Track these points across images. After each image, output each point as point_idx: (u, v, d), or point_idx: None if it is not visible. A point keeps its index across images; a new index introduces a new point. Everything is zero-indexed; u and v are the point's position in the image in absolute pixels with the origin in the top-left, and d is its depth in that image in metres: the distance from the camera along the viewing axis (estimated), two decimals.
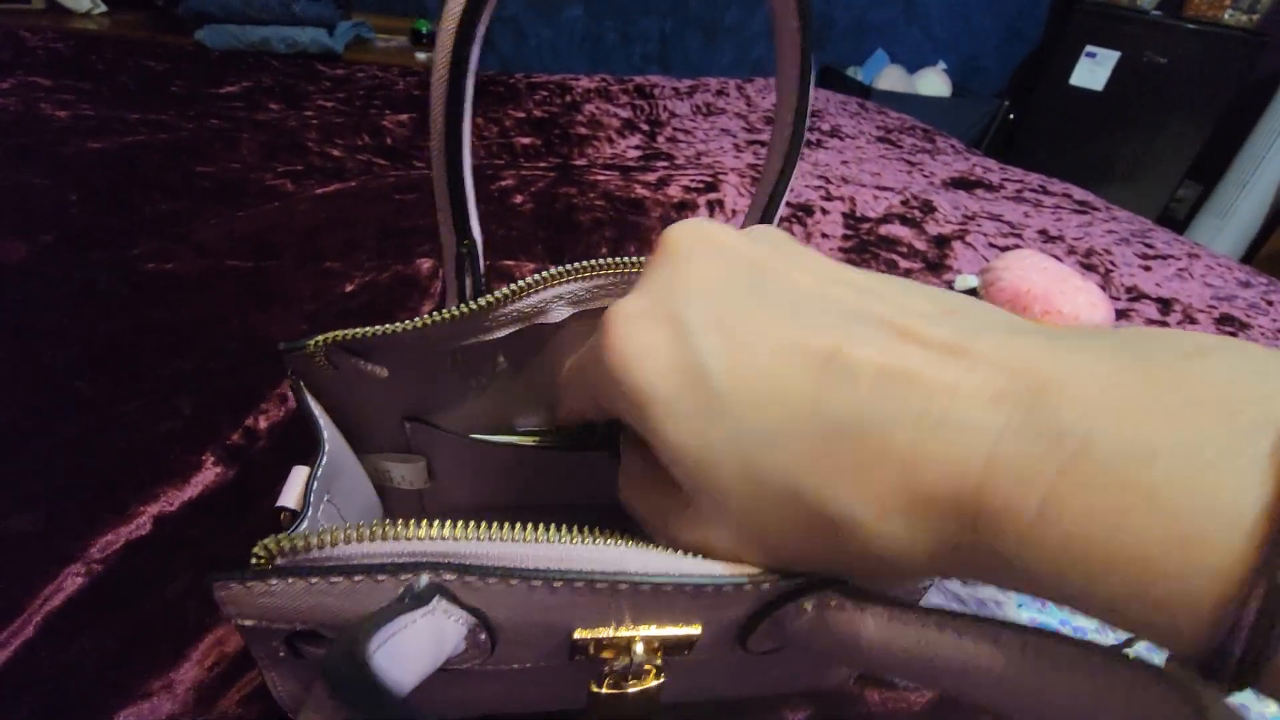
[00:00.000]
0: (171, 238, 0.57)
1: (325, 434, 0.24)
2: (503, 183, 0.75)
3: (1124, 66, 2.17)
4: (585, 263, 0.24)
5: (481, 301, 0.24)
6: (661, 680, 0.21)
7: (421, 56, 1.73)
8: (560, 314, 0.26)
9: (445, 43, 0.21)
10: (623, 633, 0.20)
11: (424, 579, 0.18)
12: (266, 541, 0.18)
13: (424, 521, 0.18)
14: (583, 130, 1.00)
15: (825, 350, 0.16)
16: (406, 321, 0.24)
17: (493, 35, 2.16)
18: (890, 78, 2.32)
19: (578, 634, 0.20)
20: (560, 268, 0.24)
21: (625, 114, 1.10)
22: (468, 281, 0.26)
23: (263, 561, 0.18)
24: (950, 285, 0.68)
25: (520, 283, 0.24)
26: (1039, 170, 1.09)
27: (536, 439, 0.30)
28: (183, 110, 0.86)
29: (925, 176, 0.99)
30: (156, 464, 0.38)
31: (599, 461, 0.30)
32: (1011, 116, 2.40)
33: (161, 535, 0.34)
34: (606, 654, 0.20)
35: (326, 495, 0.24)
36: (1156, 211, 2.29)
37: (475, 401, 0.29)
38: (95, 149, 0.69)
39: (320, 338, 0.24)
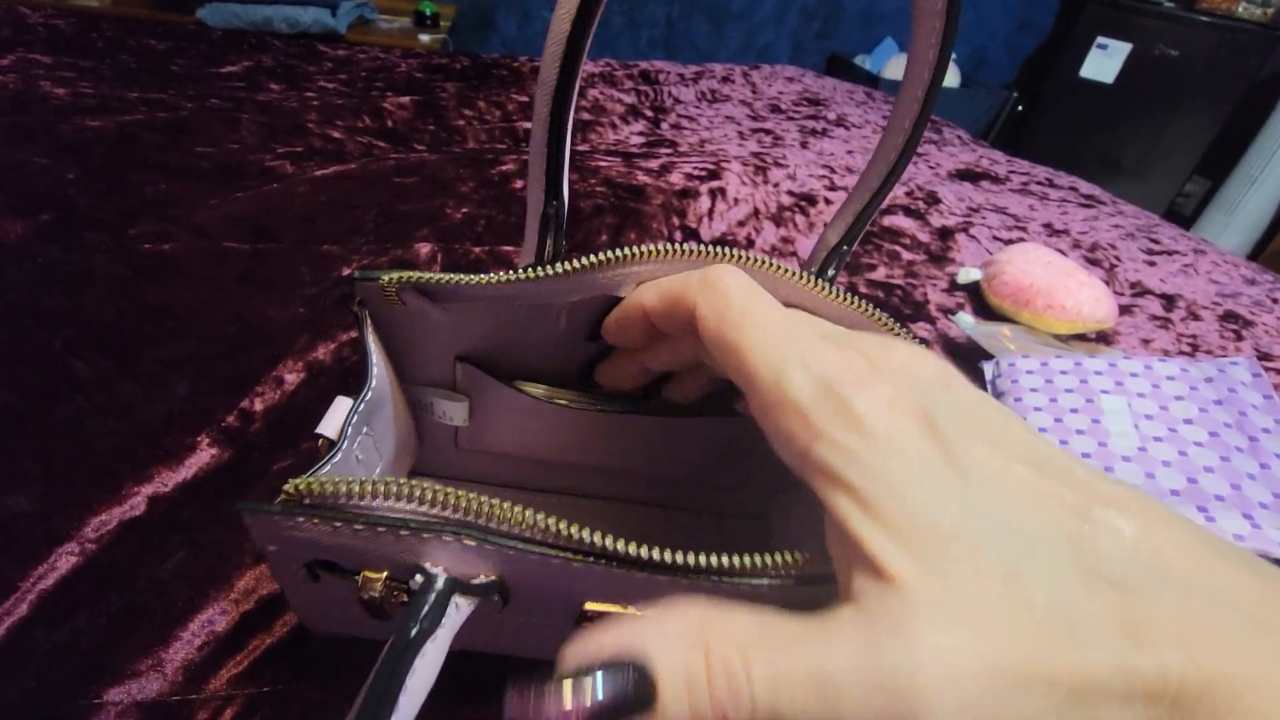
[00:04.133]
0: (170, 219, 0.57)
1: (375, 369, 0.25)
2: (504, 167, 0.75)
3: (1135, 59, 2.14)
4: (665, 246, 0.24)
5: (566, 266, 0.24)
6: None
7: (425, 38, 1.71)
8: (630, 289, 0.26)
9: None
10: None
11: (441, 577, 0.19)
12: (298, 481, 0.18)
13: (452, 490, 0.19)
14: (586, 115, 0.99)
15: (1079, 502, 0.14)
16: (490, 275, 0.24)
17: (497, 18, 2.14)
18: (899, 66, 2.29)
19: (589, 605, 0.20)
20: (642, 248, 0.24)
21: (629, 100, 1.09)
22: (549, 242, 0.26)
23: (292, 498, 0.19)
24: (953, 278, 0.67)
25: (603, 255, 0.24)
26: (1047, 162, 1.08)
27: (581, 398, 0.30)
28: (182, 90, 0.85)
29: (931, 167, 0.98)
30: (152, 445, 0.38)
31: (638, 427, 0.30)
32: (1020, 108, 2.38)
33: (155, 516, 0.35)
34: None
35: (366, 428, 0.25)
36: (1164, 206, 2.28)
37: (529, 354, 0.30)
38: (94, 127, 0.69)
39: (398, 275, 0.25)
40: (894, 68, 2.28)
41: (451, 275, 0.25)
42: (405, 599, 0.20)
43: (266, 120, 0.77)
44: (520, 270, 0.25)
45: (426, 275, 0.25)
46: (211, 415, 0.40)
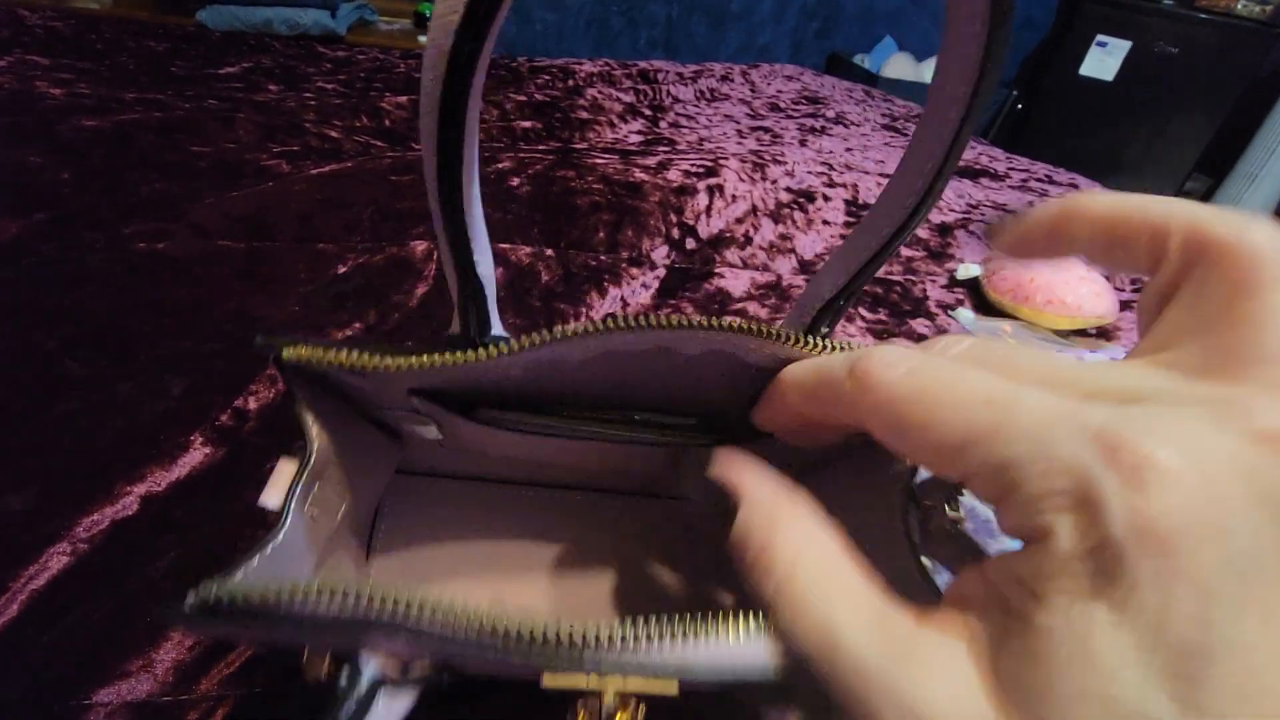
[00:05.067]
0: (166, 218, 0.57)
1: (314, 443, 0.22)
2: (500, 165, 0.75)
3: (1135, 56, 2.14)
4: (622, 319, 0.19)
5: (495, 350, 0.20)
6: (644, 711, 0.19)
7: (424, 40, 1.72)
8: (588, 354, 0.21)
9: (440, 41, 0.16)
10: (594, 684, 0.18)
11: (366, 676, 0.18)
12: (213, 587, 0.16)
13: (381, 594, 0.16)
14: (584, 114, 0.99)
15: None
16: (411, 358, 0.20)
17: None
18: (898, 65, 2.29)
19: (546, 680, 0.18)
20: (582, 327, 0.19)
21: (628, 98, 1.09)
22: (471, 322, 0.23)
23: (208, 606, 0.16)
24: (953, 274, 0.67)
25: (545, 335, 0.19)
26: (1046, 160, 1.07)
27: (557, 419, 0.25)
28: (180, 90, 0.85)
29: None
30: (145, 444, 0.38)
31: (622, 447, 0.27)
32: (1020, 105, 2.37)
33: (148, 516, 0.34)
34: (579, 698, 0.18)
35: (316, 484, 0.23)
36: None
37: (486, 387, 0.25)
38: (90, 127, 0.69)
39: (308, 354, 0.21)
40: (892, 67, 2.28)
41: (368, 359, 0.20)
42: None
43: (263, 120, 0.77)
44: (448, 354, 0.20)
45: (339, 356, 0.20)
46: (206, 414, 0.40)
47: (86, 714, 0.27)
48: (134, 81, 0.86)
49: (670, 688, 0.17)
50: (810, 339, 0.19)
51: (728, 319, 0.19)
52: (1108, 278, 0.70)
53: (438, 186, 0.19)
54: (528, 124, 0.92)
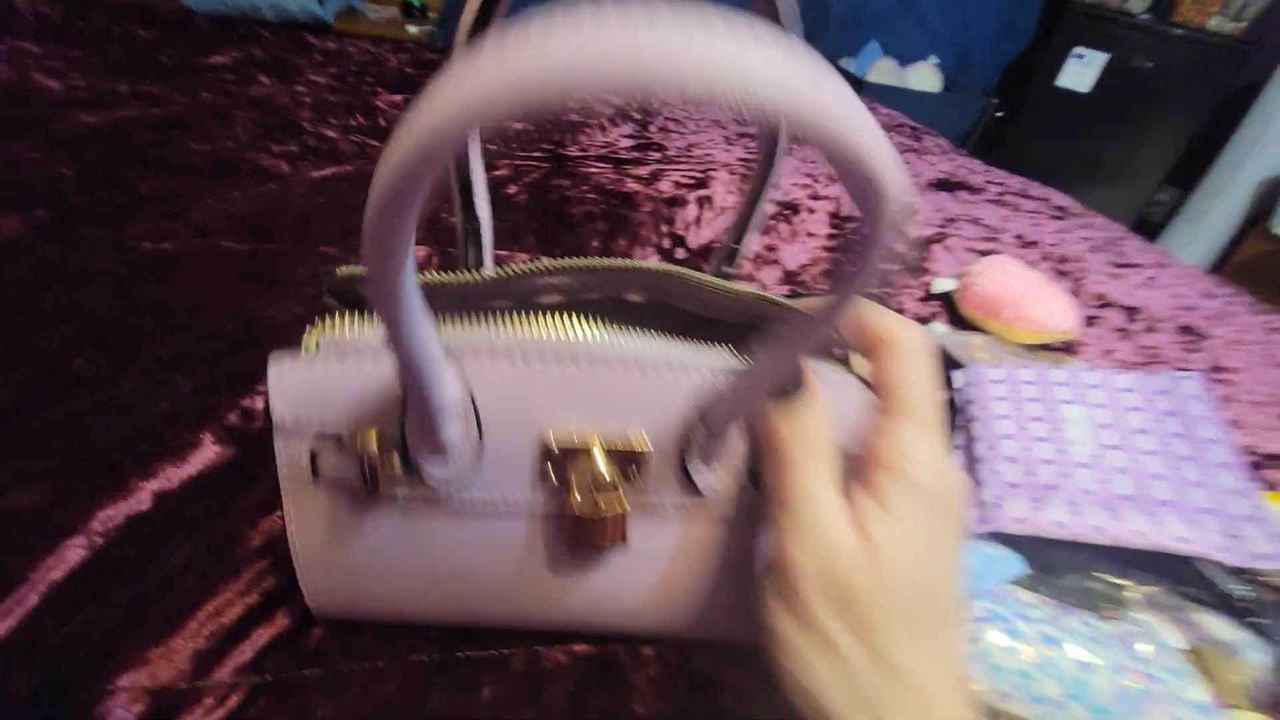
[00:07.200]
0: (167, 216, 0.58)
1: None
2: (496, 172, 0.76)
3: (1111, 69, 2.19)
4: (576, 261, 0.26)
5: (481, 275, 0.26)
6: (627, 510, 0.25)
7: (413, 30, 1.71)
8: (551, 300, 0.28)
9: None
10: (579, 441, 0.24)
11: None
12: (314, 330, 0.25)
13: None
14: (575, 117, 1.01)
15: None
16: (425, 275, 0.26)
17: None
18: (882, 70, 2.32)
19: (547, 435, 0.25)
20: (555, 262, 0.26)
21: (617, 100, 1.11)
22: (470, 254, 0.29)
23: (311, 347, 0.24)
24: (928, 287, 0.70)
25: (519, 268, 0.26)
26: (1024, 170, 1.11)
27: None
28: (173, 82, 0.85)
29: (911, 177, 1.01)
30: (155, 442, 0.39)
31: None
32: (1000, 114, 2.42)
33: (161, 511, 0.36)
34: (572, 463, 0.25)
35: None
36: (1135, 215, 2.33)
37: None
38: (88, 122, 0.69)
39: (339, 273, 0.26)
40: (877, 72, 2.31)
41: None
42: (396, 465, 0.24)
43: (260, 117, 0.78)
44: (446, 273, 0.26)
45: (352, 271, 0.26)
46: (214, 413, 0.41)
47: (108, 699, 0.28)
48: (126, 72, 0.86)
49: (640, 445, 0.25)
50: (722, 282, 0.26)
51: (662, 264, 0.26)
52: (1073, 294, 0.73)
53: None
54: (518, 125, 0.93)
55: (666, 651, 0.26)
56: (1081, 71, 2.23)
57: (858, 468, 0.23)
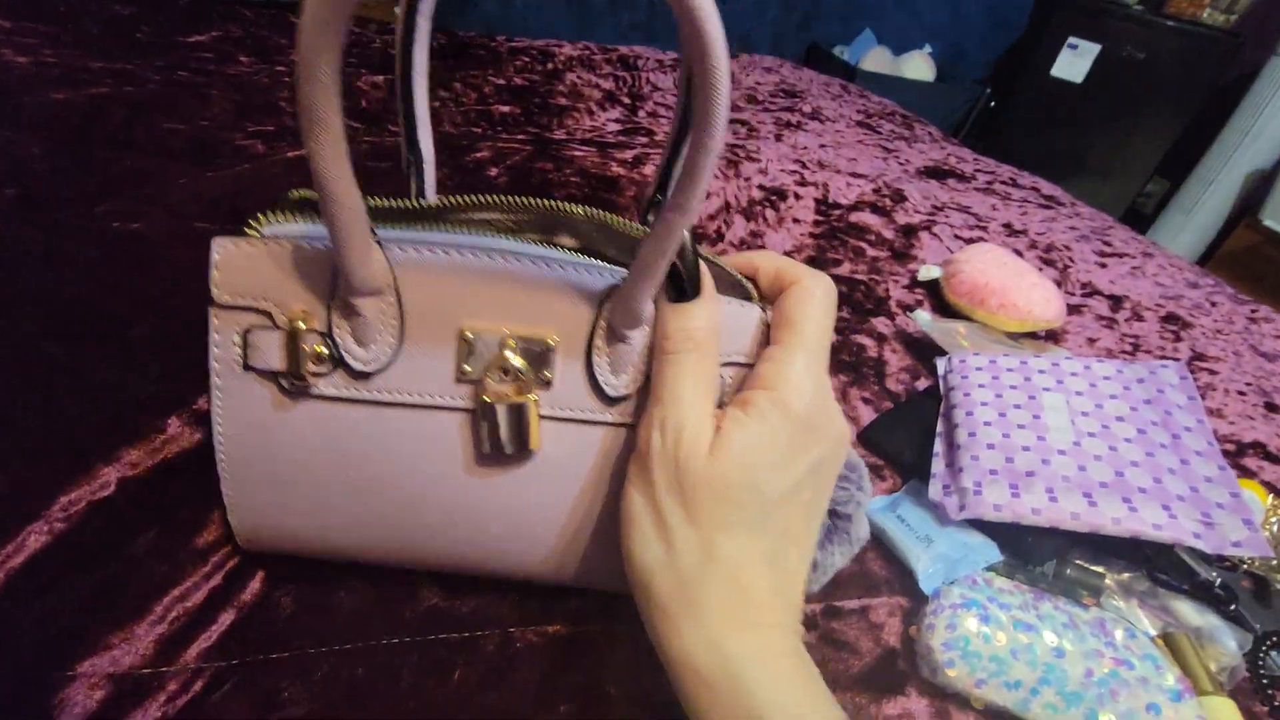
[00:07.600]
0: (139, 197, 0.56)
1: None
2: (478, 154, 0.75)
3: (1104, 60, 2.19)
4: (513, 199, 0.28)
5: (419, 201, 0.28)
6: (539, 409, 0.27)
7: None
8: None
9: None
10: (492, 331, 0.26)
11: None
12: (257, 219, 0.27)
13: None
14: (563, 100, 0.99)
15: None
16: (370, 200, 0.27)
17: None
18: (876, 59, 2.31)
19: (464, 326, 0.26)
20: (492, 197, 0.28)
21: (607, 85, 1.10)
22: (412, 185, 0.30)
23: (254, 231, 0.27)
24: (914, 275, 0.70)
25: (457, 199, 0.28)
26: (1015, 159, 1.11)
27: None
28: (149, 60, 0.83)
29: (900, 164, 1.00)
30: (121, 427, 0.38)
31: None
32: (993, 104, 2.42)
33: (124, 497, 0.35)
34: (486, 353, 0.26)
35: None
36: (1126, 205, 2.34)
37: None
38: (59, 100, 0.67)
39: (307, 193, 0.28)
40: (871, 60, 2.30)
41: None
42: (322, 350, 0.26)
43: (239, 97, 0.77)
44: (393, 199, 0.28)
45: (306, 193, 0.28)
46: (183, 398, 0.40)
47: (70, 685, 0.28)
48: (100, 49, 0.84)
49: (549, 334, 0.27)
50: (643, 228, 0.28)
51: (593, 210, 0.28)
52: (1059, 283, 0.73)
53: (401, 68, 0.27)
54: (506, 109, 0.92)
55: (639, 632, 0.25)
56: (1074, 62, 2.22)
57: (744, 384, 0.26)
